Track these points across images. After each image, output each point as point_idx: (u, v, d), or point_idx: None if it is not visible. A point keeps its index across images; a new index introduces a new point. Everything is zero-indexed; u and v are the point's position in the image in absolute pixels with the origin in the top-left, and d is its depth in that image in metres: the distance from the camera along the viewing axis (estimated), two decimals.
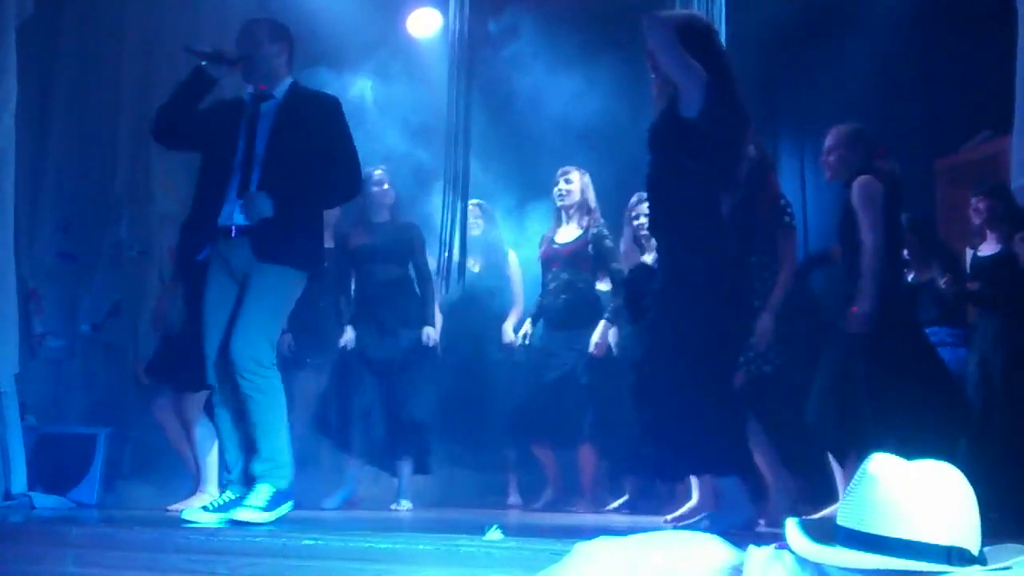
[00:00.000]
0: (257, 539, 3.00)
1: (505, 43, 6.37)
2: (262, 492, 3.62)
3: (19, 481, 4.54)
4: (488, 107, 6.25)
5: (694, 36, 3.52)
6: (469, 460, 5.94)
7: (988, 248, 5.20)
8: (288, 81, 4.03)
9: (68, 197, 6.17)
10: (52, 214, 6.09)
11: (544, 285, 5.67)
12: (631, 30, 3.76)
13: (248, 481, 3.72)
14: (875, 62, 6.04)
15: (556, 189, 5.59)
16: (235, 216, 3.80)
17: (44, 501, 4.57)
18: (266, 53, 3.96)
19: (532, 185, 6.35)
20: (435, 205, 5.63)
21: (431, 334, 5.41)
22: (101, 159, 6.27)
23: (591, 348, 5.43)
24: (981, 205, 5.19)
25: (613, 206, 5.61)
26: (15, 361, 4.63)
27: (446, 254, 5.41)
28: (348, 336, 5.38)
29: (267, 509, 3.58)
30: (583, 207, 5.57)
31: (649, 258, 4.60)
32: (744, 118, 3.57)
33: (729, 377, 3.60)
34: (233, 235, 3.79)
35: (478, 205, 5.96)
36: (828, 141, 4.41)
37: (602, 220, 5.59)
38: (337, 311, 5.53)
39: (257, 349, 3.71)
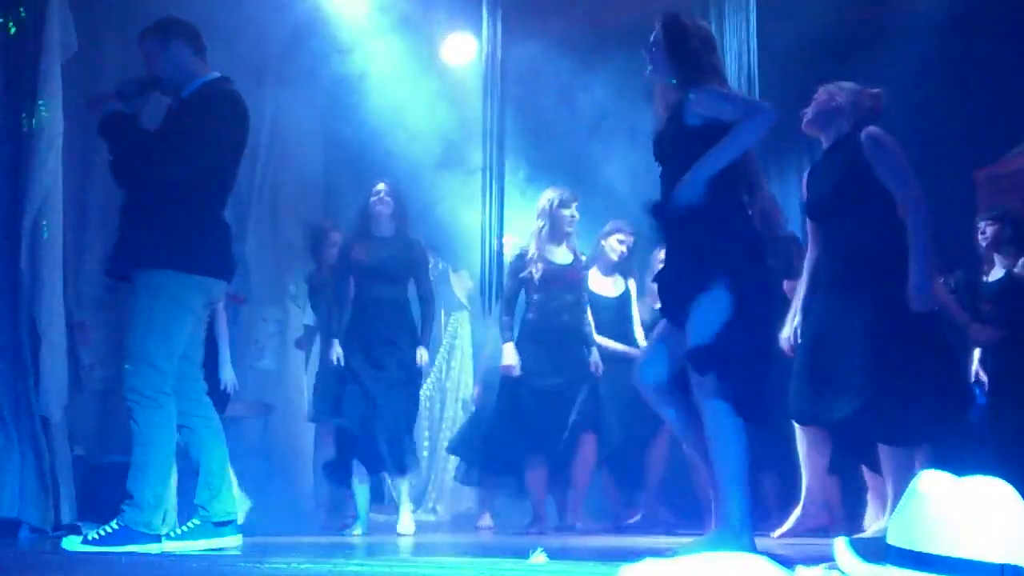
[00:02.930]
0: (303, 566, 3.01)
1: (538, 64, 6.40)
2: (109, 525, 3.53)
3: (68, 512, 4.59)
4: (522, 126, 6.28)
5: (701, 41, 3.54)
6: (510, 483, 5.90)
7: (995, 274, 5.22)
8: (201, 80, 3.63)
9: (111, 229, 6.24)
10: (96, 246, 6.18)
11: (538, 304, 5.53)
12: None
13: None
14: (912, 72, 5.99)
15: (568, 214, 5.53)
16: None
17: None
18: (164, 64, 3.64)
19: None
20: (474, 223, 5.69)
21: (423, 355, 5.39)
22: None
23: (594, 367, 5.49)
24: (989, 230, 5.21)
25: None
26: (64, 393, 4.69)
27: (488, 274, 5.44)
28: (337, 352, 5.38)
29: (88, 542, 3.47)
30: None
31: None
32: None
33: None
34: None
35: None
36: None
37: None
38: (328, 325, 5.55)
39: (134, 377, 3.57)
